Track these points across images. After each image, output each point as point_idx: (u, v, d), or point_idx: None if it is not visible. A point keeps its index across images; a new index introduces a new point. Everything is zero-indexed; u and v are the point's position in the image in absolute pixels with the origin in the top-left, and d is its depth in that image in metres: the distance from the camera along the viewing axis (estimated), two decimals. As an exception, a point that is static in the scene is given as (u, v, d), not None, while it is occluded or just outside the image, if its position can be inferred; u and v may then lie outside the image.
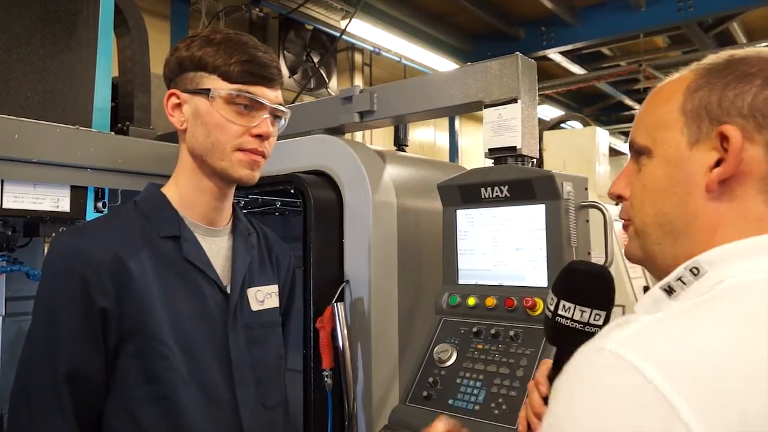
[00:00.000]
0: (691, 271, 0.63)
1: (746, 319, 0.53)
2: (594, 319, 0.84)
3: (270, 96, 1.12)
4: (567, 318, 0.85)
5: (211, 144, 1.10)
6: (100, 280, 1.02)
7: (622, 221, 0.78)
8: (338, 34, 5.00)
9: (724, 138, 0.64)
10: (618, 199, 0.78)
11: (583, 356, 0.56)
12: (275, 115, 1.15)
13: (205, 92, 1.09)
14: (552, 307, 0.87)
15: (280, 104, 1.15)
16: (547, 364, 0.91)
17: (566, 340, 0.84)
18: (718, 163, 0.65)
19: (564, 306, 0.85)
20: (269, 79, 1.12)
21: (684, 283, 0.63)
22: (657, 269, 0.73)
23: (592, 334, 0.79)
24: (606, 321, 0.85)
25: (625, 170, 0.78)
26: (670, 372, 0.49)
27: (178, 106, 1.13)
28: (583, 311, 0.84)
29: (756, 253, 0.61)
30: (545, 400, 0.88)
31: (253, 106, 1.10)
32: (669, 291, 0.64)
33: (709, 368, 0.49)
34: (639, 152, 0.74)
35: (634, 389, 0.49)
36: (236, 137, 1.10)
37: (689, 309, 0.57)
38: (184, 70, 1.12)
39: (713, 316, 0.55)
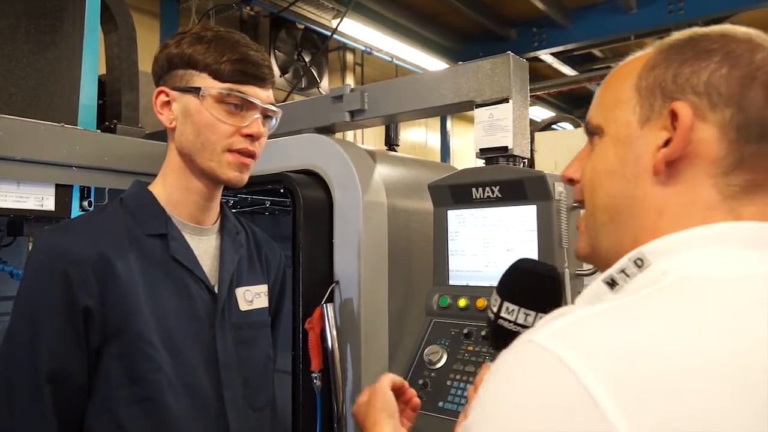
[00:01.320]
0: (635, 262, 0.59)
1: (686, 319, 0.49)
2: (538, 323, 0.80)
3: (261, 95, 1.10)
4: (510, 321, 0.81)
5: (201, 143, 1.08)
6: (84, 278, 1.00)
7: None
8: (329, 34, 4.99)
9: (674, 116, 0.60)
10: (570, 182, 0.74)
11: (512, 349, 0.52)
12: (266, 115, 1.13)
13: (195, 91, 1.07)
14: (495, 309, 0.82)
15: (272, 104, 1.13)
16: (488, 368, 0.89)
17: (507, 343, 0.82)
18: (667, 144, 0.61)
19: (507, 308, 0.81)
20: (261, 79, 1.10)
21: (627, 275, 0.60)
22: (602, 262, 0.69)
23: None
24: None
25: (579, 153, 0.74)
26: (598, 367, 0.45)
27: (167, 104, 1.11)
28: (527, 314, 0.80)
29: (701, 245, 0.57)
30: None
31: (244, 105, 1.09)
32: (611, 284, 0.60)
33: (643, 367, 0.45)
34: (592, 132, 0.70)
35: (559, 384, 0.46)
36: (226, 137, 1.08)
37: (629, 303, 0.53)
38: (174, 67, 1.10)
39: (652, 312, 0.51)
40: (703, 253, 0.57)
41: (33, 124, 1.44)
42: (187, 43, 1.09)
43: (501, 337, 0.81)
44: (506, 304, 0.81)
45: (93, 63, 1.68)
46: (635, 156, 0.63)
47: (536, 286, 0.83)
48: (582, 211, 0.73)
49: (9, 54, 1.51)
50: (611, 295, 0.60)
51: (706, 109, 0.59)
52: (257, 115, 1.10)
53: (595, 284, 0.62)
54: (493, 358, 1.27)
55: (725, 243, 0.57)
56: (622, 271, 0.60)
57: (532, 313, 0.80)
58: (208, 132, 1.08)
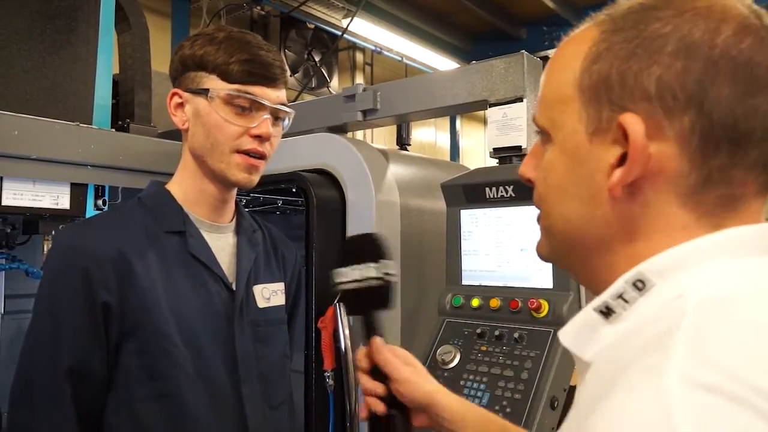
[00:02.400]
0: (634, 285, 0.50)
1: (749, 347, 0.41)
2: (370, 273, 0.87)
3: (271, 96, 1.10)
4: (346, 282, 0.89)
5: (210, 145, 1.09)
6: (103, 274, 1.01)
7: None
8: (340, 33, 4.99)
9: (624, 130, 0.50)
10: (528, 182, 0.64)
11: (641, 413, 0.40)
12: (277, 116, 1.13)
13: (205, 92, 1.08)
14: (335, 281, 0.90)
15: (283, 104, 1.13)
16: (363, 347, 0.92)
17: (360, 304, 0.90)
18: (622, 159, 0.51)
19: (341, 273, 0.89)
20: (270, 79, 1.10)
21: (626, 301, 0.51)
22: (576, 276, 0.62)
23: (378, 288, 0.87)
24: (384, 270, 0.88)
25: (532, 149, 0.64)
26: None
27: (181, 105, 1.12)
28: (354, 268, 0.88)
29: (707, 258, 0.49)
30: (373, 375, 0.89)
31: (253, 106, 1.09)
32: (606, 313, 0.52)
33: None
34: (541, 133, 0.61)
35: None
36: (234, 138, 1.08)
37: (679, 352, 0.42)
38: (187, 69, 1.11)
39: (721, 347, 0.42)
40: (714, 267, 0.49)
41: (49, 123, 1.45)
42: (199, 44, 1.10)
43: (349, 299, 0.91)
44: (338, 270, 0.90)
45: (107, 63, 1.69)
46: (588, 174, 0.54)
47: (355, 247, 0.92)
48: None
49: (25, 53, 1.52)
50: (608, 327, 0.52)
51: (661, 118, 0.49)
52: (266, 116, 1.10)
53: (584, 315, 0.54)
54: (504, 358, 1.27)
55: (734, 252, 0.50)
56: (619, 296, 0.51)
57: (359, 266, 0.88)
58: (216, 133, 1.08)
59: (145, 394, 1.02)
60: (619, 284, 0.51)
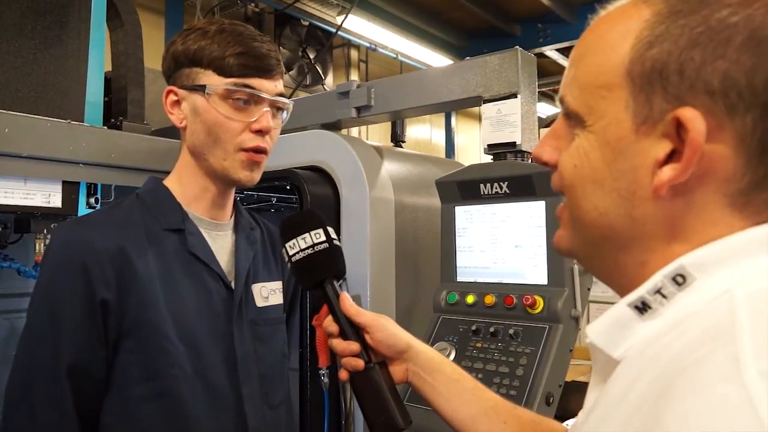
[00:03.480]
0: (674, 280, 0.48)
1: None
2: (316, 238, 0.92)
3: (269, 88, 1.08)
4: (297, 252, 0.92)
5: (212, 142, 1.07)
6: (102, 270, 0.99)
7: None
8: (334, 30, 4.98)
9: (681, 125, 0.47)
10: (544, 165, 0.60)
11: (723, 409, 0.38)
12: (277, 107, 1.12)
13: (201, 89, 1.06)
14: (286, 257, 0.94)
15: (281, 95, 1.11)
16: (324, 312, 0.96)
17: (316, 271, 0.93)
18: (671, 155, 0.48)
19: (289, 246, 0.93)
20: (267, 71, 1.08)
21: (665, 297, 0.48)
22: (589, 267, 0.60)
23: (327, 250, 0.92)
24: (328, 235, 0.93)
25: (553, 130, 0.59)
26: None
27: (177, 103, 1.10)
28: (302, 238, 0.92)
29: (753, 253, 0.47)
30: (344, 336, 0.92)
31: (252, 99, 1.07)
32: (642, 308, 0.49)
33: None
34: (570, 117, 0.56)
35: None
36: (237, 134, 1.06)
37: (737, 350, 0.40)
38: (180, 66, 1.09)
39: None
40: (761, 262, 0.46)
41: (40, 120, 1.44)
42: (191, 39, 1.08)
43: (303, 270, 0.93)
44: (286, 245, 0.93)
45: (99, 60, 1.67)
46: (630, 168, 0.50)
47: (297, 220, 0.96)
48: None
49: (15, 51, 1.51)
50: (642, 324, 0.49)
51: (723, 116, 0.46)
52: (266, 109, 1.08)
53: (617, 310, 0.51)
54: (499, 354, 1.27)
55: None
56: (658, 291, 0.49)
57: (305, 234, 0.92)
58: (218, 130, 1.06)
59: (143, 394, 1.00)
60: (658, 278, 0.49)
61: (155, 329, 1.01)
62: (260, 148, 1.08)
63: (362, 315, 0.92)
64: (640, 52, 0.49)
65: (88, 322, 0.99)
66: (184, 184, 1.13)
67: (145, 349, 1.01)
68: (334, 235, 0.96)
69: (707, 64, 0.46)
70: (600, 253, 0.56)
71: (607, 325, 0.52)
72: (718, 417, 0.37)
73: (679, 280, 0.48)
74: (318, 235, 0.93)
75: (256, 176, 1.12)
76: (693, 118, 0.46)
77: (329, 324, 0.94)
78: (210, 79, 1.06)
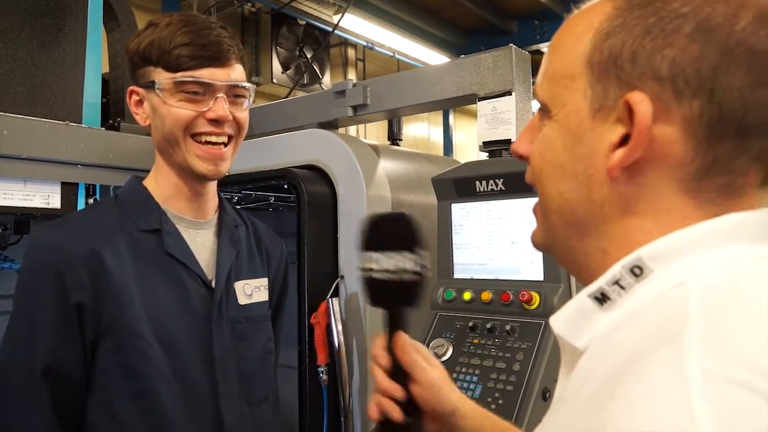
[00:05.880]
0: (631, 271, 0.49)
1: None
2: (407, 264, 0.75)
3: (220, 76, 1.06)
4: (377, 270, 0.76)
5: (172, 137, 1.07)
6: (76, 274, 1.00)
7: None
8: (331, 29, 4.98)
9: (630, 109, 0.49)
10: (520, 158, 0.62)
11: (668, 411, 0.38)
12: (235, 95, 1.10)
13: (152, 86, 1.06)
14: (364, 266, 0.78)
15: (237, 82, 1.08)
16: (382, 339, 0.80)
17: (389, 297, 0.77)
18: (625, 140, 0.50)
19: (370, 259, 0.76)
20: (217, 59, 1.06)
21: (623, 288, 0.49)
22: (561, 260, 0.60)
23: (412, 283, 0.75)
24: (420, 263, 0.75)
25: (530, 124, 0.61)
26: None
27: (140, 102, 1.11)
28: (389, 256, 0.75)
29: (711, 245, 0.47)
30: (392, 375, 0.78)
31: (205, 90, 1.06)
32: (602, 299, 0.50)
33: None
34: (541, 108, 0.58)
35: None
36: (186, 122, 1.05)
37: (690, 340, 0.41)
38: (135, 66, 1.10)
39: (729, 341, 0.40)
40: (716, 254, 0.47)
41: (38, 122, 1.45)
42: (143, 36, 1.08)
43: (378, 290, 0.77)
44: (369, 254, 0.77)
45: (96, 61, 1.68)
46: (587, 152, 0.52)
47: (392, 230, 0.78)
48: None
49: (13, 53, 1.52)
50: (602, 315, 0.50)
51: (670, 100, 0.48)
52: (220, 95, 1.06)
53: (579, 300, 0.52)
54: (495, 350, 1.28)
55: (737, 239, 0.48)
56: (616, 282, 0.50)
57: (396, 254, 0.75)
58: (170, 123, 1.06)
59: (122, 394, 1.01)
60: (617, 269, 0.50)
61: (130, 330, 1.02)
62: (214, 133, 1.07)
63: (416, 368, 0.78)
64: (598, 43, 0.52)
65: (62, 325, 1.00)
66: (160, 183, 1.13)
67: (122, 350, 1.02)
68: (427, 262, 0.78)
69: (657, 52, 0.48)
70: (568, 243, 0.57)
71: (570, 315, 0.53)
72: (654, 415, 0.38)
73: (637, 271, 0.49)
74: (408, 261, 0.75)
75: (222, 169, 1.10)
76: (640, 101, 0.48)
77: (380, 354, 0.79)
78: (159, 75, 1.06)
